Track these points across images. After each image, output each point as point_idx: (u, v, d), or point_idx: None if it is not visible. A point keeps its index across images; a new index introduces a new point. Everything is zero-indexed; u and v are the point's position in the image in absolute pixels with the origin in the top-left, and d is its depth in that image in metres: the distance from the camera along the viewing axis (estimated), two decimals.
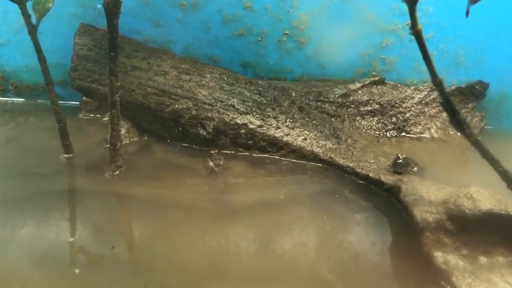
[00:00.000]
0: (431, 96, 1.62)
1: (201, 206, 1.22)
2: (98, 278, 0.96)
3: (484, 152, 0.89)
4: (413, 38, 0.82)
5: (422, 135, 1.61)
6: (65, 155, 1.40)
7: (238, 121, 1.44)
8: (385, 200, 1.25)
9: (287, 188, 1.31)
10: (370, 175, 1.30)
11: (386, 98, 1.62)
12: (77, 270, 0.98)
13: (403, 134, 1.61)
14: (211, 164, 1.36)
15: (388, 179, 1.26)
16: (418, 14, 0.81)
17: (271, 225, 1.15)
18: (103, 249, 1.04)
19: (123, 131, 1.48)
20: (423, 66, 0.85)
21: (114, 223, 1.17)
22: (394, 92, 1.64)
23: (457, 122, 0.87)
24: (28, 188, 1.27)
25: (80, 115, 1.72)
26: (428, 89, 1.63)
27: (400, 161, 1.30)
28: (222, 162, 1.37)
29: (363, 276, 0.99)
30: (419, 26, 0.80)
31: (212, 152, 1.40)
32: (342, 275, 0.98)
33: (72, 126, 1.42)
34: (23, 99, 1.84)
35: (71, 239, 1.07)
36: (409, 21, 0.82)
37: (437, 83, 0.84)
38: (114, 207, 1.24)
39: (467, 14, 0.80)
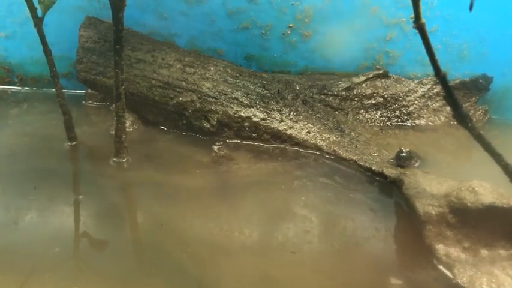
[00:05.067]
0: (435, 90, 1.63)
1: (206, 190, 1.24)
2: (107, 259, 0.98)
3: (486, 145, 0.89)
4: (417, 31, 0.82)
5: (425, 128, 1.61)
6: (69, 143, 1.41)
7: (242, 114, 1.45)
8: (388, 187, 1.26)
9: (291, 173, 1.32)
10: (373, 168, 1.31)
11: (390, 92, 1.63)
12: (85, 253, 0.99)
13: (407, 127, 1.62)
14: (215, 152, 1.37)
15: (391, 172, 1.27)
16: (423, 8, 0.81)
17: (275, 210, 1.17)
18: (111, 231, 1.07)
19: (127, 123, 1.49)
20: (427, 60, 0.85)
21: (120, 206, 1.19)
22: (398, 85, 1.64)
23: (460, 115, 0.88)
24: (32, 174, 1.28)
25: (84, 102, 1.75)
26: (432, 83, 1.63)
27: (403, 154, 1.31)
28: (226, 152, 1.38)
29: (364, 264, 1.00)
30: (423, 20, 0.80)
31: (217, 144, 1.41)
32: (343, 262, 1.00)
33: (77, 114, 1.44)
34: (27, 88, 1.85)
35: (77, 223, 1.09)
36: (413, 15, 0.82)
37: (440, 76, 0.84)
38: (120, 192, 1.26)
39: (471, 7, 0.80)
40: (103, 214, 1.13)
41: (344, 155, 1.38)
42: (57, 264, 0.95)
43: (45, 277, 0.91)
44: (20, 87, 1.85)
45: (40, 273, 0.92)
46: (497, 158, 0.90)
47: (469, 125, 0.88)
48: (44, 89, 1.83)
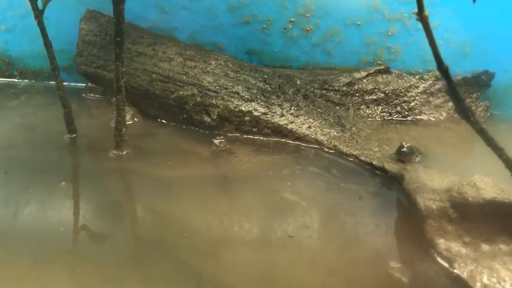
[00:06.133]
0: (436, 86, 1.62)
1: (206, 182, 1.24)
2: (106, 251, 0.97)
3: (488, 140, 0.89)
4: (419, 26, 0.82)
5: (427, 123, 1.61)
6: (69, 135, 1.41)
7: (243, 108, 1.44)
8: (388, 181, 1.26)
9: (291, 167, 1.32)
10: (374, 163, 1.30)
11: (391, 87, 1.62)
12: (83, 247, 0.99)
13: (408, 122, 1.61)
14: (216, 145, 1.37)
15: (392, 167, 1.27)
16: (425, 3, 0.81)
17: (274, 202, 1.17)
18: (110, 223, 1.06)
19: (128, 116, 1.49)
20: (428, 56, 0.85)
21: (120, 198, 1.19)
22: (399, 81, 1.64)
23: (462, 109, 0.87)
24: (32, 165, 1.28)
25: (84, 95, 1.75)
26: (433, 79, 1.62)
27: (404, 149, 1.30)
28: (226, 145, 1.37)
29: (363, 258, 1.00)
30: (426, 12, 0.80)
31: (218, 138, 1.40)
32: (344, 256, 1.00)
33: (77, 106, 1.44)
34: (27, 81, 1.85)
35: (77, 215, 1.09)
36: (415, 9, 0.81)
37: (442, 69, 0.84)
38: (120, 184, 1.26)
39: (474, 0, 0.80)
40: (103, 206, 1.13)
41: (345, 150, 1.38)
42: (58, 254, 0.95)
43: (45, 266, 0.91)
44: (19, 80, 1.84)
45: (40, 262, 0.92)
46: (499, 152, 0.89)
47: (471, 119, 0.87)
48: (44, 82, 1.83)
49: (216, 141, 1.37)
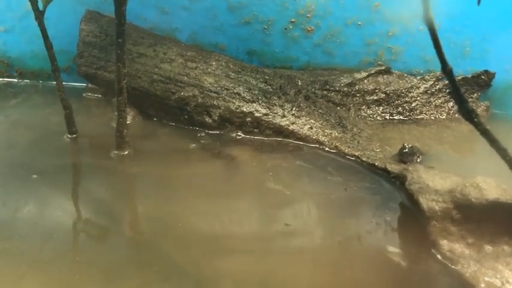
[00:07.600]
0: (437, 86, 1.62)
1: (207, 182, 1.24)
2: (105, 254, 0.97)
3: (492, 141, 0.89)
4: (421, 27, 0.82)
5: (427, 124, 1.61)
6: (69, 136, 1.41)
7: (244, 109, 1.44)
8: (389, 180, 1.26)
9: (293, 165, 1.32)
10: (376, 164, 1.30)
11: (392, 88, 1.62)
12: (83, 247, 0.99)
13: (409, 123, 1.61)
14: (216, 145, 1.37)
15: (394, 168, 1.26)
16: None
17: (277, 202, 1.16)
18: (109, 225, 1.06)
19: (128, 117, 1.48)
20: (429, 56, 0.85)
21: (120, 199, 1.18)
22: (400, 81, 1.64)
23: (465, 111, 0.87)
24: (32, 166, 1.27)
25: (84, 94, 1.74)
26: (434, 79, 1.62)
27: (406, 150, 1.30)
28: (227, 146, 1.37)
29: (364, 258, 1.00)
30: (431, 14, 0.80)
31: (219, 139, 1.40)
32: (344, 255, 1.00)
33: (77, 106, 1.45)
34: (27, 81, 1.84)
35: (76, 216, 1.09)
36: (419, 11, 0.81)
37: (446, 71, 0.84)
38: (120, 185, 1.26)
39: (478, 2, 0.80)
40: (105, 206, 1.13)
41: (346, 150, 1.38)
42: (55, 255, 0.94)
43: (43, 269, 0.91)
44: (19, 81, 1.84)
45: (38, 265, 0.92)
46: (503, 153, 0.89)
47: (475, 120, 0.87)
48: (44, 82, 1.82)
49: (218, 142, 1.38)
